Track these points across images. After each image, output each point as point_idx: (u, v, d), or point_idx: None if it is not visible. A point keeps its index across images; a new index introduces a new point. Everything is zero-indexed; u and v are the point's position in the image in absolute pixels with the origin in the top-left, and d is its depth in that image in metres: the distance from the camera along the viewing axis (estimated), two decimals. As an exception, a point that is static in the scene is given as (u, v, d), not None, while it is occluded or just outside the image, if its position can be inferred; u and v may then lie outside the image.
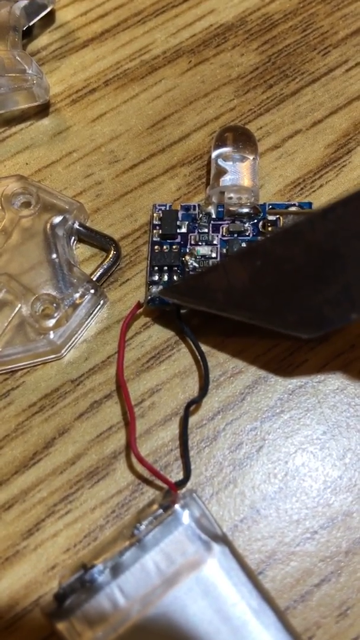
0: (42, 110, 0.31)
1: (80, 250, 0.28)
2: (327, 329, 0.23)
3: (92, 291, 0.26)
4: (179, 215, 0.27)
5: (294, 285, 0.23)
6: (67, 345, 0.26)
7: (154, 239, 0.27)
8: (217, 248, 0.26)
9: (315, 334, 0.23)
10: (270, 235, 0.24)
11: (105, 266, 0.27)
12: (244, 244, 0.26)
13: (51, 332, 0.25)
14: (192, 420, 0.25)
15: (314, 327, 0.23)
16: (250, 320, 0.24)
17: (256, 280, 0.23)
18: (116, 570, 0.22)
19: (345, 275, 0.22)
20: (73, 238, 0.28)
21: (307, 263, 0.22)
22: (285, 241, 0.23)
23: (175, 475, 0.24)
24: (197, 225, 0.27)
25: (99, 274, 0.27)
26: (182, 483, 0.23)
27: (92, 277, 0.27)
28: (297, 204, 0.27)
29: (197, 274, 0.25)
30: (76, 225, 0.28)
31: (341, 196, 0.21)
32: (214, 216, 0.27)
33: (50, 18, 0.33)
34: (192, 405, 0.25)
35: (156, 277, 0.26)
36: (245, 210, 0.27)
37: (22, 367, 0.26)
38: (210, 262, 0.26)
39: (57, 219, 0.27)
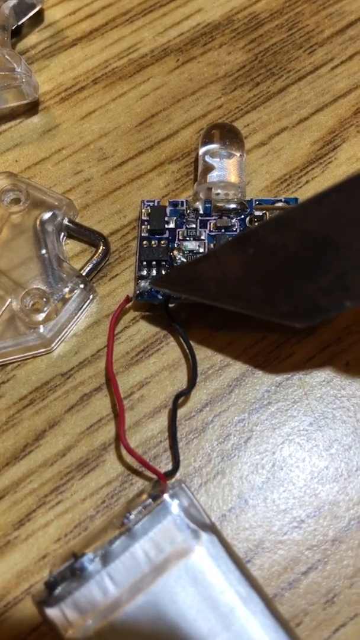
0: (32, 108, 0.32)
1: (70, 246, 0.29)
2: (321, 318, 0.22)
3: (81, 286, 0.26)
4: (167, 211, 0.27)
5: (287, 273, 0.22)
6: (57, 339, 0.26)
7: (143, 235, 0.27)
8: (204, 243, 0.27)
9: (308, 323, 0.22)
10: (263, 223, 0.24)
11: (94, 261, 0.27)
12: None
13: (41, 326, 0.25)
14: (181, 412, 0.25)
15: (307, 316, 0.22)
16: (243, 310, 0.23)
17: (249, 269, 0.23)
18: (106, 558, 0.22)
19: (339, 262, 0.21)
20: (62, 234, 0.28)
21: (300, 251, 0.22)
22: (278, 229, 0.22)
23: (165, 466, 0.24)
24: (184, 220, 0.27)
25: (88, 269, 0.27)
26: (171, 473, 0.24)
27: (81, 272, 0.27)
28: (283, 199, 0.27)
29: (189, 262, 0.25)
30: (65, 221, 0.28)
31: (335, 183, 0.21)
32: (201, 212, 0.27)
33: (39, 17, 0.34)
34: (181, 398, 0.25)
35: (145, 272, 0.27)
36: (232, 206, 0.27)
37: (12, 361, 0.26)
38: (198, 257, 0.26)
39: (47, 215, 0.27)
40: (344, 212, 0.21)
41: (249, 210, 0.27)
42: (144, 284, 0.26)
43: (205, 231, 0.27)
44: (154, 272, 0.27)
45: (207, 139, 0.28)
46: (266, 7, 0.33)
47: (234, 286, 0.23)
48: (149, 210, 0.28)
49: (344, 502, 0.24)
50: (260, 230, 0.23)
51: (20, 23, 0.33)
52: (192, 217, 0.27)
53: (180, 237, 0.27)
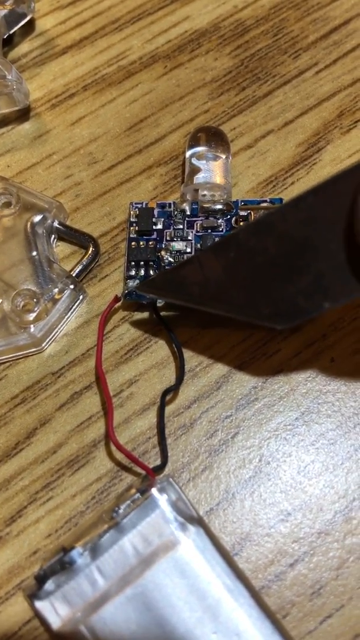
0: (23, 114, 0.32)
1: (61, 248, 0.29)
2: (301, 319, 0.23)
3: (71, 286, 0.27)
4: (155, 212, 0.28)
5: (268, 276, 0.23)
6: (48, 339, 0.27)
7: (131, 236, 0.28)
8: (191, 243, 0.27)
9: (289, 324, 0.23)
10: (243, 227, 0.24)
11: (84, 263, 0.28)
12: (217, 239, 0.27)
13: (32, 325, 0.26)
14: (170, 409, 0.26)
15: (288, 317, 0.23)
16: (226, 313, 0.24)
17: (230, 273, 0.24)
18: (95, 552, 0.22)
19: (317, 264, 0.22)
20: (53, 236, 0.29)
21: (279, 254, 0.22)
22: (258, 232, 0.23)
23: (153, 462, 0.25)
24: (172, 221, 0.28)
25: (78, 270, 0.28)
26: (159, 469, 0.24)
27: (71, 273, 0.27)
28: (268, 200, 0.28)
29: (173, 267, 0.25)
30: (56, 224, 0.28)
31: (311, 186, 0.22)
32: (188, 213, 0.28)
33: (30, 26, 0.34)
34: (169, 394, 0.25)
35: (133, 272, 0.27)
36: (219, 206, 0.28)
37: (4, 361, 0.27)
38: (185, 257, 0.27)
39: (37, 218, 0.28)
40: (320, 214, 0.22)
41: (234, 211, 0.28)
42: (132, 283, 0.27)
43: (192, 232, 0.28)
44: (143, 272, 0.27)
45: (194, 142, 0.29)
46: (252, 14, 0.34)
47: (216, 290, 0.24)
48: (138, 212, 0.28)
49: (329, 495, 0.24)
50: (241, 234, 0.23)
51: (11, 32, 0.33)
52: (180, 218, 0.28)
53: (168, 238, 0.28)
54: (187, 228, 0.28)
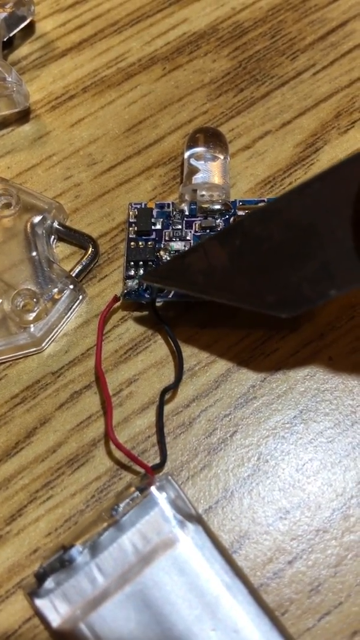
0: (23, 116, 0.32)
1: (60, 249, 0.29)
2: (307, 308, 0.23)
3: (70, 286, 0.27)
4: (154, 212, 0.28)
5: (273, 264, 0.23)
6: (48, 339, 0.27)
7: (130, 236, 0.28)
8: (190, 243, 0.28)
9: (294, 313, 0.23)
10: (249, 214, 0.24)
11: (83, 263, 0.28)
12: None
13: (32, 325, 0.26)
14: (168, 408, 0.26)
15: (294, 306, 0.23)
16: (230, 302, 0.24)
17: (235, 261, 0.23)
18: (95, 550, 0.22)
19: (323, 251, 0.22)
20: (53, 237, 0.29)
21: (285, 241, 0.22)
22: (264, 220, 0.23)
23: (153, 460, 0.25)
24: (171, 222, 0.28)
25: (77, 270, 0.28)
26: (158, 467, 0.24)
27: (71, 273, 0.28)
28: (266, 199, 0.28)
29: (178, 255, 0.25)
30: (55, 225, 0.29)
31: (317, 172, 0.21)
32: (187, 213, 0.28)
33: (30, 29, 0.35)
34: (168, 392, 0.26)
35: (132, 272, 0.27)
36: (217, 207, 0.28)
37: (4, 361, 0.27)
38: (187, 249, 0.27)
39: (37, 219, 0.28)
40: (326, 200, 0.21)
41: (232, 211, 0.28)
42: (131, 283, 0.27)
43: (190, 232, 0.28)
44: (142, 272, 0.27)
45: (192, 142, 0.29)
46: (250, 16, 0.34)
47: (221, 278, 0.24)
48: (137, 213, 0.28)
49: (327, 493, 0.24)
50: (246, 222, 0.23)
51: (11, 35, 0.34)
52: (178, 218, 0.28)
53: (167, 238, 0.28)
54: (186, 228, 0.28)
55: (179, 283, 0.25)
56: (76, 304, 0.28)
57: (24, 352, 0.27)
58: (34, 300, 0.26)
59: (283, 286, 0.23)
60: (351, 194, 0.21)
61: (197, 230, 0.28)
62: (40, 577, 0.22)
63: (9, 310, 0.26)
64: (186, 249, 0.27)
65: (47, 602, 0.22)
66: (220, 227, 0.28)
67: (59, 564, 0.22)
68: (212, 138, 0.29)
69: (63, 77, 0.34)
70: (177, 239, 0.28)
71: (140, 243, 0.28)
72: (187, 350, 0.27)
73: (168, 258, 0.27)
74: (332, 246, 0.21)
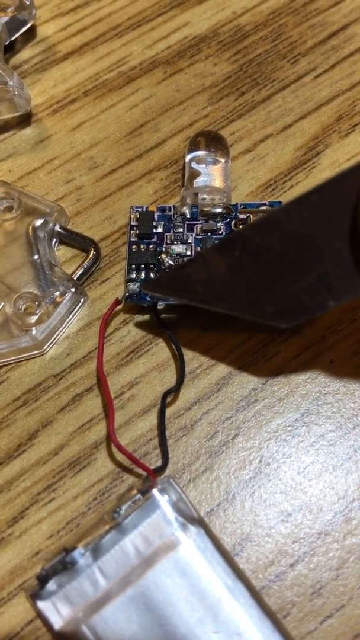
0: (25, 120, 0.33)
1: (62, 252, 0.29)
2: (305, 318, 0.23)
3: (72, 289, 0.27)
4: (155, 216, 0.28)
5: (272, 275, 0.23)
6: (50, 342, 0.27)
7: (132, 239, 0.28)
8: (191, 246, 0.28)
9: (293, 323, 0.23)
10: (248, 225, 0.24)
11: (85, 266, 0.28)
12: (221, 239, 0.27)
13: (33, 328, 0.26)
14: (170, 410, 0.26)
15: (292, 316, 0.23)
16: (230, 312, 0.24)
17: (235, 271, 0.24)
18: (97, 552, 0.22)
19: (322, 262, 0.22)
20: (54, 240, 0.29)
21: (284, 252, 0.22)
22: (263, 231, 0.23)
23: (154, 463, 0.25)
24: (172, 225, 0.28)
25: (79, 273, 0.28)
26: (160, 469, 0.24)
27: (72, 276, 0.28)
28: (267, 203, 0.28)
29: (178, 266, 0.25)
30: (57, 228, 0.29)
31: (316, 184, 0.22)
32: (188, 216, 0.28)
33: (31, 33, 0.35)
34: (169, 395, 0.26)
35: (134, 275, 0.27)
36: (218, 210, 0.28)
37: (6, 363, 0.27)
38: (185, 259, 0.27)
39: (39, 222, 0.28)
40: (324, 212, 0.22)
41: (234, 214, 0.28)
42: (133, 286, 0.27)
43: (192, 235, 0.28)
44: (143, 275, 0.27)
45: (193, 146, 0.29)
46: (251, 20, 0.34)
47: (221, 288, 0.24)
48: (138, 216, 0.28)
49: (329, 495, 0.24)
50: (246, 233, 0.23)
51: (13, 39, 0.34)
52: (180, 222, 0.28)
53: (168, 241, 0.28)
54: (187, 231, 0.28)
55: (179, 293, 0.25)
56: (78, 307, 0.28)
57: (26, 354, 0.27)
58: (36, 303, 0.27)
59: (282, 297, 0.23)
60: (349, 206, 0.21)
61: (198, 233, 0.28)
62: (43, 580, 0.22)
63: (11, 313, 0.27)
64: (187, 252, 0.27)
65: (49, 604, 0.22)
66: (222, 230, 0.28)
67: (61, 566, 0.22)
68: (213, 141, 0.29)
69: (64, 80, 0.34)
70: (179, 242, 0.28)
71: (141, 246, 0.28)
72: (189, 353, 0.27)
73: (169, 261, 0.27)
74: (330, 257, 0.22)
